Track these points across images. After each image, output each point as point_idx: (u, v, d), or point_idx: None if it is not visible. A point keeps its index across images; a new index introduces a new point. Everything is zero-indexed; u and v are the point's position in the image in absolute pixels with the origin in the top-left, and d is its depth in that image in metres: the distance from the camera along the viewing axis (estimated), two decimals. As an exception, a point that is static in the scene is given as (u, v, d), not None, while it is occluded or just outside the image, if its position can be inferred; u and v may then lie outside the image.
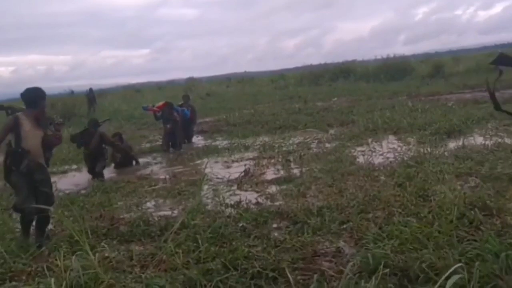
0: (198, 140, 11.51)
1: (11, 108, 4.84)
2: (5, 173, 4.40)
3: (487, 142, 7.40)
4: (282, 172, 7.00)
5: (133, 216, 5.23)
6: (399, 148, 7.88)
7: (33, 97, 4.48)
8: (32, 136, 4.38)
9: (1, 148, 4.48)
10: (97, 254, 3.69)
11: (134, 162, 9.18)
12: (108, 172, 8.59)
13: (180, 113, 10.31)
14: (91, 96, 24.10)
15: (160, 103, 10.52)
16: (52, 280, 3.25)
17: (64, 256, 3.71)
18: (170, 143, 10.09)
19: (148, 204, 5.89)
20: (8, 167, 4.36)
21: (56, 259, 3.72)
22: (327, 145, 8.95)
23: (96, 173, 8.09)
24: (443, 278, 2.80)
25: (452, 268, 2.83)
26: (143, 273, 3.44)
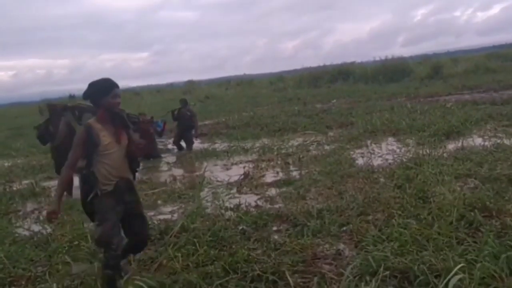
0: (197, 143, 11.51)
1: (78, 107, 3.98)
2: (84, 199, 3.31)
3: (486, 143, 7.42)
4: (281, 174, 7.00)
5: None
6: (398, 150, 7.89)
7: (102, 92, 3.23)
8: (113, 148, 3.24)
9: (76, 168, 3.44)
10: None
11: None
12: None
13: (153, 125, 10.22)
14: None
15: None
16: (54, 285, 3.25)
17: (65, 261, 3.72)
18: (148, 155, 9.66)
19: (148, 207, 5.89)
20: (88, 190, 3.27)
21: (56, 264, 3.72)
22: (326, 147, 8.95)
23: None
24: (445, 281, 2.81)
25: (454, 271, 2.84)
26: (143, 277, 3.43)
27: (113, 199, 3.24)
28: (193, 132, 10.87)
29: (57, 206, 3.17)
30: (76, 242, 4.41)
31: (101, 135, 3.18)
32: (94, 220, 3.33)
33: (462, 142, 7.63)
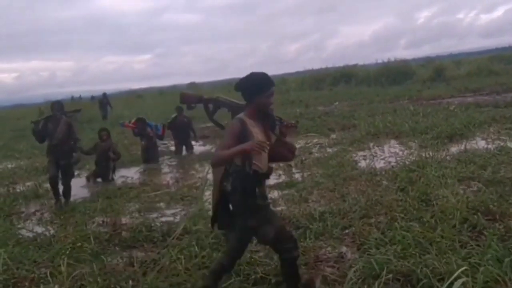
0: (199, 146, 11.51)
1: (215, 101, 3.53)
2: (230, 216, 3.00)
3: (490, 146, 7.40)
4: (283, 177, 7.00)
5: (135, 222, 5.25)
6: (400, 153, 7.88)
7: (259, 89, 2.88)
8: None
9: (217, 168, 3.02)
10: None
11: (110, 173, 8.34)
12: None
13: (153, 129, 10.11)
14: (105, 101, 22.95)
15: (133, 120, 10.26)
16: (56, 286, 3.26)
17: (67, 262, 3.73)
18: (147, 158, 9.76)
19: (151, 210, 5.90)
20: (247, 195, 2.88)
21: (59, 266, 3.73)
22: (329, 149, 8.95)
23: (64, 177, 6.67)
24: (447, 283, 2.80)
25: (456, 273, 2.83)
26: (145, 279, 3.44)
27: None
28: (192, 136, 10.81)
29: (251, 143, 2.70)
30: (79, 244, 4.42)
31: (254, 131, 2.86)
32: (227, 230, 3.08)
33: (465, 145, 7.61)
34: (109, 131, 8.97)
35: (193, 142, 10.95)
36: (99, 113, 22.64)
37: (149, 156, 9.77)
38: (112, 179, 8.33)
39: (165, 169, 9.17)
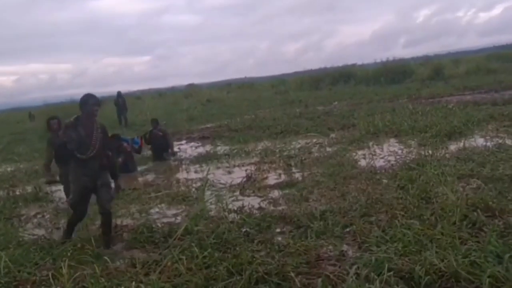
0: (199, 146, 11.52)
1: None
2: None
3: (488, 143, 7.42)
4: (284, 176, 7.02)
5: (136, 223, 5.26)
6: (400, 151, 7.89)
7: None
8: None
9: None
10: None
11: None
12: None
13: (129, 143, 9.45)
14: (121, 102, 19.51)
15: None
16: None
17: (69, 264, 3.73)
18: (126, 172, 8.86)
19: (152, 211, 5.91)
20: None
21: (61, 268, 3.74)
22: (328, 149, 8.96)
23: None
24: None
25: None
26: (148, 280, 3.45)
27: None
28: (169, 151, 10.13)
29: None
30: (79, 245, 4.43)
31: None
32: None
33: (464, 143, 7.63)
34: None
35: (170, 157, 10.09)
36: (117, 118, 19.29)
37: (128, 170, 8.95)
38: None
39: (167, 171, 9.12)
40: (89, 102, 4.48)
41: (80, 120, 4.49)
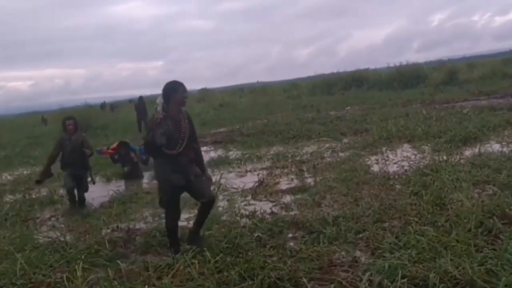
0: (211, 151, 11.56)
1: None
2: None
3: (504, 149, 7.30)
4: (296, 181, 7.00)
5: (149, 227, 5.30)
6: (414, 157, 7.82)
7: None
8: None
9: None
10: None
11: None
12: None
13: (137, 153, 9.00)
14: (141, 107, 18.15)
15: (115, 144, 9.21)
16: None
17: (83, 267, 3.78)
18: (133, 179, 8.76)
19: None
20: None
21: (75, 270, 3.78)
22: (341, 154, 8.92)
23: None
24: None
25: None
26: (161, 284, 3.46)
27: None
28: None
29: None
30: (94, 249, 4.48)
31: None
32: None
33: (480, 148, 7.51)
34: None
35: None
36: (136, 123, 18.23)
37: (134, 177, 8.81)
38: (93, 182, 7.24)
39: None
40: (179, 89, 4.07)
41: (167, 112, 4.06)
